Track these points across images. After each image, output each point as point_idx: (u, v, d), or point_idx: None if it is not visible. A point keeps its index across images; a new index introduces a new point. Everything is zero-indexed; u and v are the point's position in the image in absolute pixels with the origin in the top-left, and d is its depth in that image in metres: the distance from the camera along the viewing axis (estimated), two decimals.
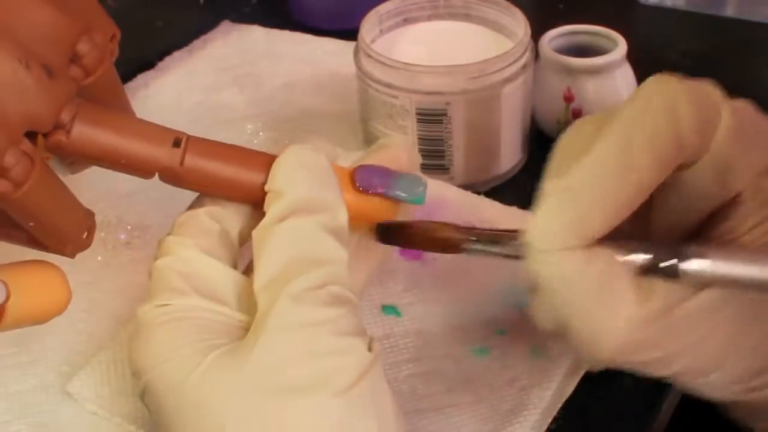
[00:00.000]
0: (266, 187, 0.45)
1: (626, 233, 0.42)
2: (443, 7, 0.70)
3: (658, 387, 0.54)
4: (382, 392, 0.42)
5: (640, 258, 0.40)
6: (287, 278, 0.42)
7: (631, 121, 0.40)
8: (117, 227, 0.65)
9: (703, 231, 0.43)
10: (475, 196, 0.65)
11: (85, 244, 0.46)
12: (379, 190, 0.47)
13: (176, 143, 0.45)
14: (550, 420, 0.52)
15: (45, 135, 0.44)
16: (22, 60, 0.42)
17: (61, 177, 0.46)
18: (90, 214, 0.47)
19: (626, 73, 0.68)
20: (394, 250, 0.51)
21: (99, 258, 0.63)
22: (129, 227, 0.65)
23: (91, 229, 0.46)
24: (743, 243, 0.41)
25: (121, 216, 0.65)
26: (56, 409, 0.54)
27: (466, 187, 0.65)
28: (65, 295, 0.45)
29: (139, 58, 0.79)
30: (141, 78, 0.78)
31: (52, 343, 0.58)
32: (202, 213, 0.46)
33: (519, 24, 0.66)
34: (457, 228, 0.47)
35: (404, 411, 0.52)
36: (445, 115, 0.64)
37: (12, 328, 0.44)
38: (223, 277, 0.45)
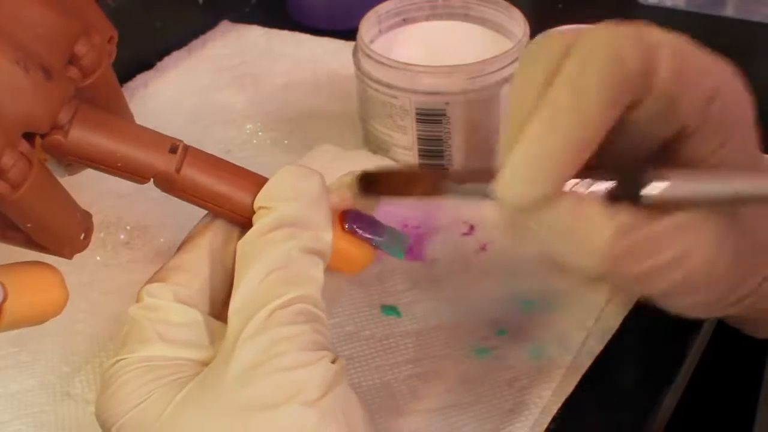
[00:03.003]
0: (256, 203, 0.45)
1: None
2: (442, 7, 0.70)
3: (658, 387, 0.54)
4: (352, 403, 0.43)
5: (604, 186, 0.43)
6: (259, 303, 0.43)
7: (582, 67, 0.42)
8: (116, 227, 0.65)
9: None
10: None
11: (82, 246, 0.46)
12: (367, 236, 0.47)
13: (173, 149, 0.45)
14: (549, 420, 0.52)
15: (42, 136, 0.44)
16: (20, 61, 0.42)
17: (59, 178, 0.46)
18: (87, 216, 0.47)
19: None
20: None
21: (98, 258, 0.63)
22: (128, 227, 0.65)
23: (88, 230, 0.46)
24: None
25: (120, 216, 0.65)
26: (56, 409, 0.54)
27: None
28: (62, 296, 0.45)
29: (138, 58, 0.79)
30: (140, 78, 0.78)
31: (51, 344, 0.58)
32: (190, 260, 0.46)
33: (518, 24, 0.66)
34: (436, 175, 0.47)
35: (404, 411, 0.52)
36: (445, 115, 0.64)
37: (9, 329, 0.44)
38: (196, 324, 0.45)
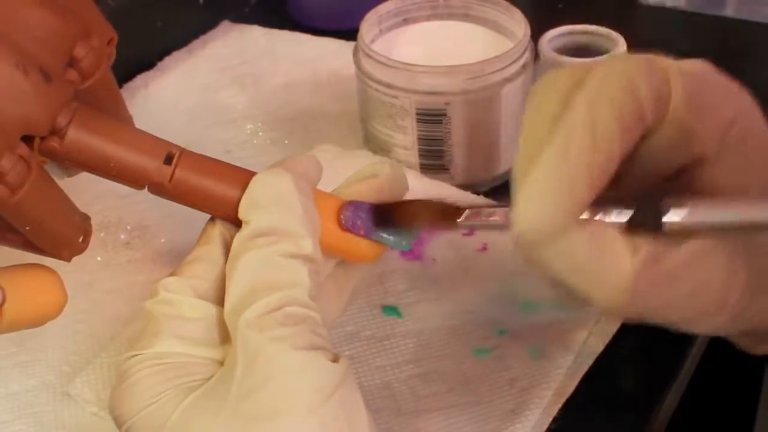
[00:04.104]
0: (239, 216, 0.45)
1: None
2: (443, 7, 0.70)
3: (658, 387, 0.54)
4: (356, 407, 0.42)
5: (623, 216, 0.42)
6: (244, 307, 0.43)
7: (594, 97, 0.42)
8: (117, 227, 0.65)
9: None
10: (474, 196, 0.65)
11: (81, 248, 0.46)
12: (361, 233, 0.47)
13: (168, 159, 0.45)
14: (550, 420, 0.52)
15: (42, 139, 0.44)
16: (20, 64, 0.41)
17: (59, 180, 0.46)
18: (86, 218, 0.47)
19: None
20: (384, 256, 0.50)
21: (99, 258, 0.63)
22: (129, 227, 0.65)
23: (87, 233, 0.46)
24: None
25: (121, 216, 0.65)
26: (56, 409, 0.54)
27: (466, 187, 0.65)
28: (61, 298, 0.45)
29: (138, 58, 0.79)
30: (140, 78, 0.78)
31: (52, 343, 0.58)
32: (205, 252, 0.46)
33: (518, 24, 0.66)
34: (448, 208, 0.46)
35: (405, 412, 0.52)
36: (445, 115, 0.64)
37: (8, 331, 0.44)
38: (210, 319, 0.45)
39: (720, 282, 0.43)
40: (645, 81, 0.42)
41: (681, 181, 0.44)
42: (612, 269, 0.41)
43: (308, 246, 0.44)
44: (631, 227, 0.42)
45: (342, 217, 0.47)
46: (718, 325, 0.44)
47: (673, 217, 0.42)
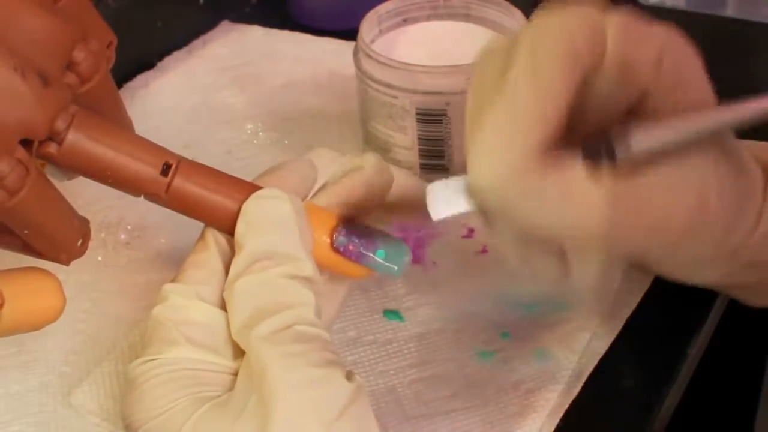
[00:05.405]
0: (235, 239, 0.45)
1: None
2: (443, 7, 0.70)
3: (658, 387, 0.54)
4: (368, 424, 0.42)
5: (578, 159, 0.44)
6: (254, 323, 0.42)
7: (534, 45, 0.44)
8: (117, 227, 0.65)
9: None
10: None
11: (79, 252, 0.46)
12: (352, 258, 0.47)
13: (165, 170, 0.45)
14: (557, 422, 0.52)
15: (40, 142, 0.44)
16: (18, 68, 0.41)
17: (59, 182, 0.46)
18: (84, 222, 0.46)
19: None
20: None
21: (99, 258, 0.63)
22: (129, 227, 0.65)
23: (86, 236, 0.46)
24: None
25: (121, 216, 0.65)
26: (56, 409, 0.54)
27: None
28: (60, 303, 0.45)
29: (139, 58, 0.79)
30: (141, 78, 0.78)
31: (52, 344, 0.58)
32: (205, 258, 0.46)
33: (518, 24, 0.66)
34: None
35: (411, 416, 0.52)
36: (445, 115, 0.64)
37: (6, 335, 0.44)
38: (218, 323, 0.45)
39: (694, 198, 0.44)
40: (580, 24, 0.44)
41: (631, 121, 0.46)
42: (583, 201, 0.43)
43: (308, 268, 0.44)
44: (587, 160, 0.44)
45: (334, 240, 0.46)
46: (701, 251, 0.46)
47: (622, 142, 0.43)
